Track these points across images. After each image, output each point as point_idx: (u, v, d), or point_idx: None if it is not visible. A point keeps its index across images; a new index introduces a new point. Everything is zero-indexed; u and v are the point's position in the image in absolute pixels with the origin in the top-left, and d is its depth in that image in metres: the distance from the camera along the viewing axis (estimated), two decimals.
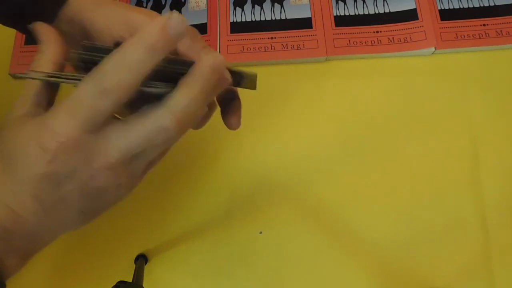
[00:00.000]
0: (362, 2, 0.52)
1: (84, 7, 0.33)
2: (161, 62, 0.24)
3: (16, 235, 0.25)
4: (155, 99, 0.25)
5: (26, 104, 0.27)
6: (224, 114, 0.33)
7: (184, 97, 0.25)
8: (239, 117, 0.33)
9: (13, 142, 0.25)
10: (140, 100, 0.25)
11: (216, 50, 0.50)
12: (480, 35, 0.49)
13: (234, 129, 0.33)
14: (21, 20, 0.34)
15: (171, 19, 0.23)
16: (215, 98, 0.34)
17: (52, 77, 0.27)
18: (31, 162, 0.24)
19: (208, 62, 0.25)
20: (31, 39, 0.36)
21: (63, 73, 0.27)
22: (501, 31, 0.49)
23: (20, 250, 0.27)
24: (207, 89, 0.25)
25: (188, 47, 0.31)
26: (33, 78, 0.27)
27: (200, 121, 0.31)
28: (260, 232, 0.44)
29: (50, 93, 0.28)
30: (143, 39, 0.23)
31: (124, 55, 0.23)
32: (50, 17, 0.33)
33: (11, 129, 0.26)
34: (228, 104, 0.33)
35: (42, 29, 0.29)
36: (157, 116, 0.24)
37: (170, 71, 0.25)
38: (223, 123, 0.34)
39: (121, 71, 0.23)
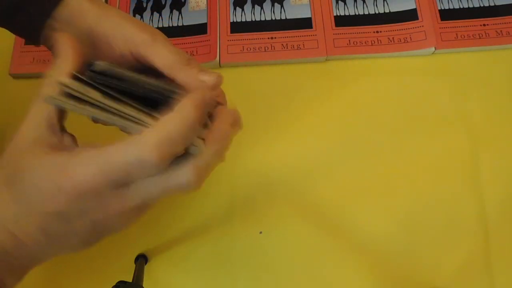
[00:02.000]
0: (362, 2, 0.52)
1: (85, 11, 0.32)
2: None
3: (15, 258, 0.26)
4: None
5: (36, 127, 0.26)
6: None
7: (210, 156, 0.26)
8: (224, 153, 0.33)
9: (29, 174, 0.24)
10: None
11: (216, 50, 0.50)
12: (480, 35, 0.49)
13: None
14: (12, 19, 0.33)
15: (206, 95, 0.24)
16: None
17: (98, 107, 0.25)
18: (45, 200, 0.24)
19: (197, 97, 0.25)
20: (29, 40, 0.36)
21: (111, 107, 0.25)
22: (501, 31, 0.49)
23: (18, 269, 0.27)
24: (194, 124, 0.25)
25: (168, 63, 0.30)
26: (74, 109, 0.26)
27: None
28: (260, 232, 0.44)
29: (63, 117, 0.27)
30: (182, 118, 0.23)
31: (166, 133, 0.23)
32: (44, 16, 0.32)
33: (24, 156, 0.25)
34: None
35: (63, 40, 0.28)
36: (184, 175, 0.25)
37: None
38: None
39: (164, 145, 0.23)
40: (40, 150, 0.25)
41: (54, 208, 0.24)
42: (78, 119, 0.27)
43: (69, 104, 0.25)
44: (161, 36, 0.31)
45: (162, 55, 0.30)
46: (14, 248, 0.25)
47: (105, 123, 0.27)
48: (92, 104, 0.25)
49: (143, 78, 0.27)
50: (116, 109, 0.25)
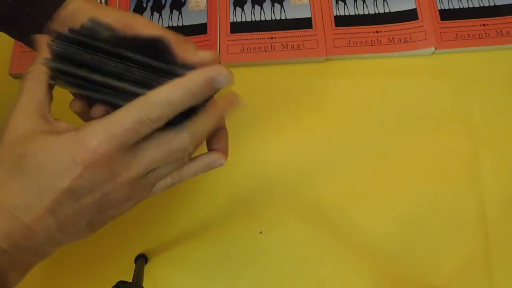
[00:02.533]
0: (362, 2, 0.52)
1: (85, 10, 0.33)
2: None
3: (23, 251, 0.26)
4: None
5: (30, 118, 0.27)
6: (211, 145, 0.34)
7: (205, 124, 0.28)
8: (226, 149, 0.35)
9: (34, 158, 0.25)
10: None
11: (216, 50, 0.50)
12: (480, 35, 0.49)
13: (218, 165, 0.34)
14: (12, 23, 0.34)
15: (220, 76, 0.26)
16: None
17: (85, 88, 0.28)
18: (59, 175, 0.25)
19: (221, 107, 0.29)
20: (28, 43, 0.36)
21: (95, 83, 0.28)
22: (501, 31, 0.49)
23: (23, 264, 0.27)
24: (220, 120, 0.30)
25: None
26: (64, 86, 0.28)
27: None
28: (260, 232, 0.44)
29: (50, 102, 0.28)
30: (189, 85, 0.26)
31: (170, 94, 0.25)
32: (45, 18, 0.33)
33: (26, 144, 0.25)
34: (215, 134, 0.34)
35: (42, 39, 0.29)
36: (182, 137, 0.27)
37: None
38: None
39: (165, 107, 0.25)
40: (40, 136, 0.26)
41: (68, 184, 0.24)
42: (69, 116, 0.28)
43: (68, 66, 0.27)
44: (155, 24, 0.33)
45: (160, 33, 0.30)
46: (24, 239, 0.25)
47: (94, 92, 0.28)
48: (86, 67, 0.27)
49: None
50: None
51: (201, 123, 0.28)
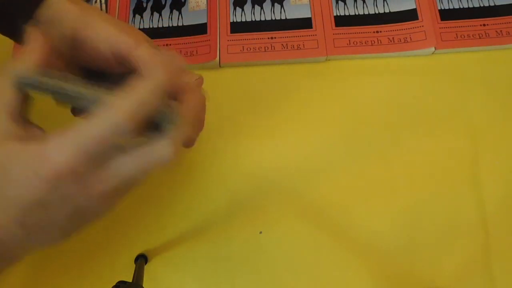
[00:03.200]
0: (362, 2, 0.52)
1: (68, 12, 0.31)
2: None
3: None
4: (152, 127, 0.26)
5: (1, 123, 0.25)
6: None
7: (183, 128, 0.27)
8: (195, 136, 0.34)
9: (4, 166, 0.24)
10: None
11: (216, 50, 0.50)
12: (480, 35, 0.49)
13: (186, 147, 0.33)
14: None
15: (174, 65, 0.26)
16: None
17: (55, 91, 0.26)
18: (24, 190, 0.23)
19: (197, 94, 0.28)
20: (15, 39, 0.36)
21: (65, 86, 0.26)
22: (501, 31, 0.49)
23: None
24: (198, 117, 0.29)
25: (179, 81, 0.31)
26: (30, 87, 0.26)
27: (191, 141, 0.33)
28: (260, 232, 0.44)
29: (25, 107, 0.27)
30: (154, 84, 0.25)
31: (136, 98, 0.24)
32: (26, 17, 0.31)
33: None
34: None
35: (34, 36, 0.28)
36: (159, 147, 0.25)
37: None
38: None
39: (132, 104, 0.24)
40: (7, 143, 0.24)
41: (33, 197, 0.23)
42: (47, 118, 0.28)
43: (37, 80, 0.25)
44: (143, 38, 0.31)
45: (144, 57, 0.29)
46: None
47: (68, 101, 0.26)
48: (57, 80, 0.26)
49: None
50: (80, 85, 0.26)
51: (183, 127, 0.27)
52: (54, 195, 0.24)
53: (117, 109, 0.23)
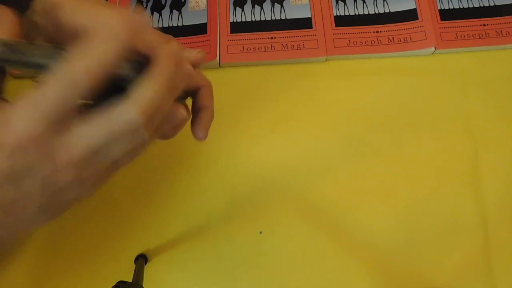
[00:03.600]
0: (362, 2, 0.52)
1: (63, 3, 0.30)
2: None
3: None
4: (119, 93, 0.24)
5: None
6: (192, 124, 0.33)
7: (148, 89, 0.24)
8: (207, 129, 0.32)
9: None
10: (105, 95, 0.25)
11: (216, 50, 0.50)
12: (480, 35, 0.49)
13: (199, 140, 0.33)
14: None
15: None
16: (189, 107, 0.34)
17: (12, 51, 0.24)
18: None
19: (168, 51, 0.25)
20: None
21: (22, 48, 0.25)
22: (501, 31, 0.49)
23: None
24: (170, 79, 0.25)
25: (148, 42, 0.29)
26: None
27: (178, 121, 0.29)
28: (260, 232, 0.44)
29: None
30: (112, 39, 0.23)
31: (91, 47, 0.23)
32: (23, 8, 0.31)
33: None
34: (199, 114, 0.32)
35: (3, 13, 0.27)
36: (122, 109, 0.24)
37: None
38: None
39: (87, 60, 0.22)
40: None
41: None
42: None
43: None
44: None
45: (142, 36, 0.29)
46: None
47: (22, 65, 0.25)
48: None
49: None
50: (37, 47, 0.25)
51: (148, 89, 0.24)
52: (18, 166, 0.23)
53: (73, 65, 0.22)
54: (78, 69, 0.22)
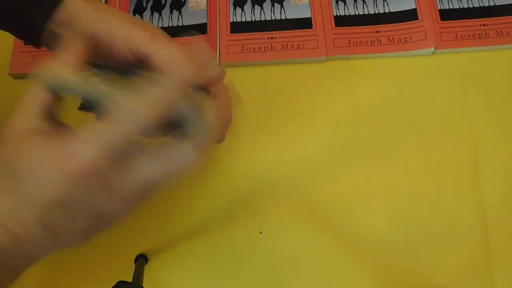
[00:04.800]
0: (362, 2, 0.52)
1: (84, 13, 0.31)
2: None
3: (12, 257, 0.25)
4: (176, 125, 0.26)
5: (30, 116, 0.25)
6: None
7: (209, 133, 0.26)
8: (224, 132, 0.33)
9: (26, 163, 0.23)
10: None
11: (216, 50, 0.50)
12: (480, 35, 0.49)
13: (216, 143, 0.33)
14: (11, 22, 0.33)
15: (202, 49, 0.25)
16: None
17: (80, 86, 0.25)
18: (47, 186, 0.23)
19: (224, 86, 0.27)
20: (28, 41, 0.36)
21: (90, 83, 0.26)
22: (501, 31, 0.49)
23: (13, 270, 0.26)
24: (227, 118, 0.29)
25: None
26: (56, 88, 0.26)
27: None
28: (260, 232, 0.44)
29: (56, 105, 0.27)
30: (174, 80, 0.24)
31: (158, 94, 0.24)
32: (44, 19, 0.32)
33: (19, 145, 0.24)
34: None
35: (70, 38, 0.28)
36: (183, 150, 0.25)
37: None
38: None
39: (153, 102, 0.23)
40: (36, 138, 0.24)
41: (55, 195, 0.23)
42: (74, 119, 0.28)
43: (68, 81, 0.25)
44: (160, 33, 0.31)
45: (163, 53, 0.29)
46: (11, 245, 0.24)
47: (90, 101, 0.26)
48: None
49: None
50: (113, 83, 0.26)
51: (212, 127, 0.26)
52: (76, 194, 0.23)
53: (137, 105, 0.23)
54: (145, 107, 0.23)
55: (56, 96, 0.27)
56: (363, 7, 0.52)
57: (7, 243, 0.24)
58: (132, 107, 0.23)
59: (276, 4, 0.52)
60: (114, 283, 0.35)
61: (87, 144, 0.23)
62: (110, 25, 0.31)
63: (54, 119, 0.26)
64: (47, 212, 0.24)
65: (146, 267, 0.43)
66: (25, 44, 0.52)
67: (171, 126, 0.26)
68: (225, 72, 0.30)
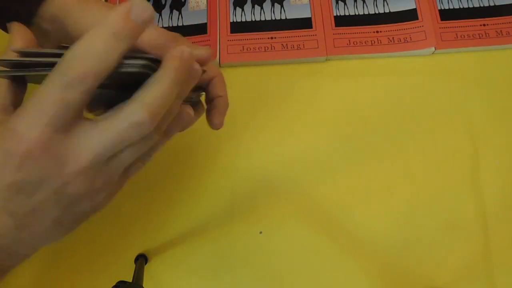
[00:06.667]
0: (362, 2, 0.52)
1: (69, 6, 0.31)
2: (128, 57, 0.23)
3: None
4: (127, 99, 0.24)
5: None
6: (208, 113, 0.33)
7: (155, 90, 0.24)
8: (222, 116, 0.33)
9: None
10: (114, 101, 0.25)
11: (216, 50, 0.50)
12: (480, 35, 0.49)
13: (216, 128, 0.33)
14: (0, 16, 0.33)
15: (134, 5, 0.22)
16: (203, 100, 0.34)
17: (20, 66, 0.25)
18: (0, 172, 0.22)
19: (176, 54, 0.24)
20: None
21: (31, 60, 0.25)
22: (501, 31, 0.49)
23: None
24: (178, 81, 0.24)
25: (155, 41, 0.30)
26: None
27: (185, 122, 0.29)
28: (260, 232, 0.44)
29: (16, 95, 0.26)
30: (106, 26, 0.22)
31: (88, 44, 0.22)
32: (29, 14, 0.32)
33: None
34: (213, 102, 0.33)
35: (16, 28, 0.28)
36: (129, 111, 0.23)
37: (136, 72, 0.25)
38: None
39: (86, 60, 0.21)
40: None
41: (8, 178, 0.22)
42: None
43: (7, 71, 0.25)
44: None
45: (148, 36, 0.29)
46: None
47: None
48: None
49: None
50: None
51: (153, 90, 0.24)
52: (30, 174, 0.22)
53: (72, 64, 0.22)
54: (77, 68, 0.21)
55: (17, 86, 0.26)
56: (363, 7, 0.52)
57: None
58: (65, 68, 0.22)
59: (276, 4, 0.52)
60: (114, 283, 0.35)
61: (27, 120, 0.22)
62: (94, 16, 0.30)
63: (10, 110, 0.26)
64: (8, 198, 0.23)
65: (146, 267, 0.43)
66: None
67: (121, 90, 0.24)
68: (212, 51, 0.29)
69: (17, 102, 0.26)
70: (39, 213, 0.24)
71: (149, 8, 0.22)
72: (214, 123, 0.34)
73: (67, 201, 0.24)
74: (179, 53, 0.24)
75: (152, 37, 0.30)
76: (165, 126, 0.26)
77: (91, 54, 0.21)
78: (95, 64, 0.22)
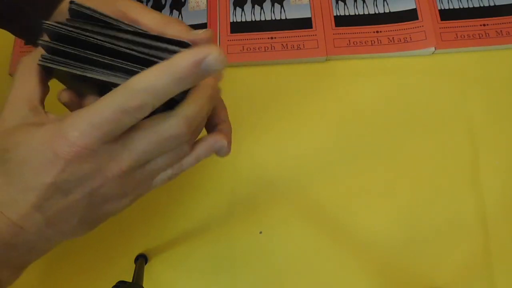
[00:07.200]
0: (362, 2, 0.52)
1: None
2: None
3: (13, 248, 0.25)
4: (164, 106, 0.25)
5: (19, 111, 0.26)
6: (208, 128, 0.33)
7: (194, 106, 0.26)
8: (229, 142, 0.32)
9: (18, 151, 0.24)
10: None
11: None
12: (480, 35, 0.49)
13: (223, 155, 0.32)
14: (12, 21, 0.34)
15: (210, 57, 0.22)
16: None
17: (75, 67, 0.26)
18: (41, 170, 0.23)
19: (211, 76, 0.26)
20: (28, 41, 0.36)
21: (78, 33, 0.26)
22: (501, 31, 0.49)
23: (15, 261, 0.26)
24: (211, 98, 0.27)
25: (147, 26, 0.30)
26: (53, 66, 0.26)
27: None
28: (260, 232, 0.44)
29: (42, 96, 0.27)
30: (175, 69, 0.23)
31: (153, 80, 0.23)
32: (43, 18, 0.31)
33: (12, 136, 0.24)
34: (219, 127, 0.33)
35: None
36: (172, 122, 0.25)
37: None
38: None
39: (147, 95, 0.23)
40: (25, 128, 0.25)
41: (51, 178, 0.23)
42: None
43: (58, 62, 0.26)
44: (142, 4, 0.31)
45: (150, 15, 0.29)
46: (12, 236, 0.24)
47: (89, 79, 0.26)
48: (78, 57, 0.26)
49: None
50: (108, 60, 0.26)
51: (193, 104, 0.26)
52: (71, 175, 0.24)
53: (131, 85, 0.23)
54: (137, 101, 0.23)
55: (44, 86, 0.27)
56: (363, 7, 0.52)
57: (7, 232, 0.24)
58: (125, 89, 0.23)
59: (276, 4, 0.52)
60: (114, 283, 0.35)
61: (78, 126, 0.23)
62: (107, 3, 0.30)
63: (42, 108, 0.27)
64: (43, 196, 0.24)
65: (146, 267, 0.43)
66: (25, 44, 0.52)
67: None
68: (212, 32, 0.29)
69: (42, 102, 0.27)
70: (69, 211, 0.25)
71: (223, 62, 0.23)
72: (222, 151, 0.33)
73: (97, 202, 0.26)
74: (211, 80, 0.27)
75: (144, 21, 0.30)
76: (195, 138, 0.28)
77: (153, 91, 0.23)
78: (154, 100, 0.23)
